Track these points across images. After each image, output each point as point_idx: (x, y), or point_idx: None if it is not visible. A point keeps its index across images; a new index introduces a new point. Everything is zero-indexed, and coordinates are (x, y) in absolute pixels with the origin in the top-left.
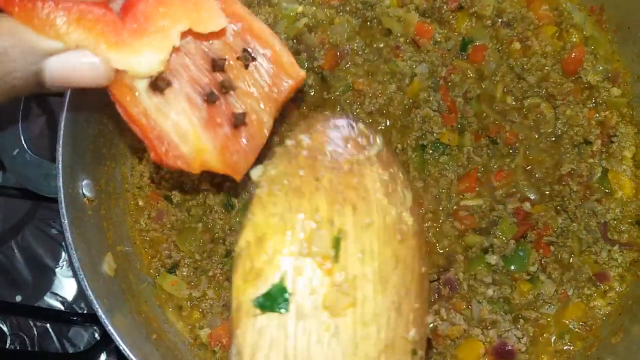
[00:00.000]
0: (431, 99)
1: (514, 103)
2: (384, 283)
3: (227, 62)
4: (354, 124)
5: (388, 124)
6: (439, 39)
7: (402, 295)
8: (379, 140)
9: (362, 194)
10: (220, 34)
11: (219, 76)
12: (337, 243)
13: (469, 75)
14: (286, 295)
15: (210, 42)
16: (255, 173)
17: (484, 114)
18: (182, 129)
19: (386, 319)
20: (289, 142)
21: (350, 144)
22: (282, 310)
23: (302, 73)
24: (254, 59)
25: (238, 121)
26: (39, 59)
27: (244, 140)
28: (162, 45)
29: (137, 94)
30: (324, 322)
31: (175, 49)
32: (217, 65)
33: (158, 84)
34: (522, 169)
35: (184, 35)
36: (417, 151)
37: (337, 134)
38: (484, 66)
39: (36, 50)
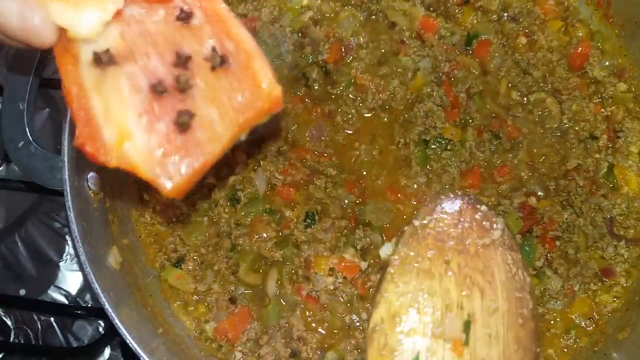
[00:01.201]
0: (434, 94)
1: (518, 98)
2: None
3: (191, 60)
4: (478, 206)
5: (389, 118)
6: (443, 34)
7: None
8: (500, 223)
9: (489, 278)
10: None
11: (179, 70)
12: (467, 327)
13: (472, 71)
14: None
15: (181, 34)
16: (385, 251)
17: (487, 109)
18: (110, 108)
19: None
20: (416, 223)
21: (474, 226)
22: None
23: (278, 91)
24: (223, 62)
25: (182, 120)
26: None
27: (184, 146)
28: (105, 4)
29: (79, 64)
30: None
31: (143, 35)
32: (179, 60)
33: (101, 57)
34: (526, 164)
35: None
36: (420, 146)
37: (462, 217)
38: (489, 61)
39: None
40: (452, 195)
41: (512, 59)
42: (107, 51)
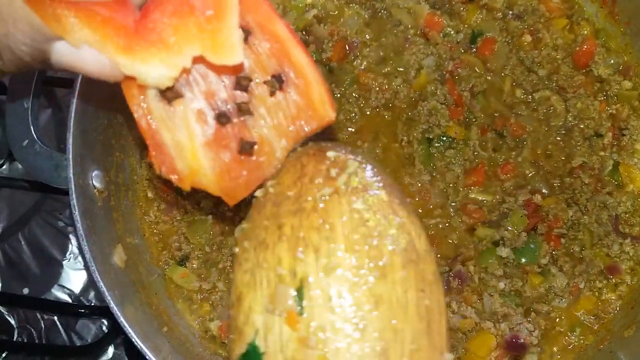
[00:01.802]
0: (438, 92)
1: (523, 96)
2: (359, 331)
3: (252, 83)
4: (327, 154)
5: (392, 116)
6: (448, 32)
7: (390, 338)
8: (351, 163)
9: (326, 234)
10: (236, 69)
11: (239, 96)
12: (300, 295)
13: (476, 70)
14: (260, 355)
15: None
16: (237, 232)
17: (491, 108)
18: (181, 145)
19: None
20: (258, 193)
21: (318, 179)
22: None
23: (332, 115)
24: (282, 88)
25: (245, 149)
26: (46, 40)
27: (247, 171)
28: (172, 62)
29: (144, 97)
30: None
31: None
32: (240, 84)
33: (167, 94)
34: (530, 162)
35: (198, 60)
36: (423, 144)
37: (303, 172)
38: (493, 59)
39: (44, 32)
40: (297, 150)
41: (516, 57)
42: (171, 88)
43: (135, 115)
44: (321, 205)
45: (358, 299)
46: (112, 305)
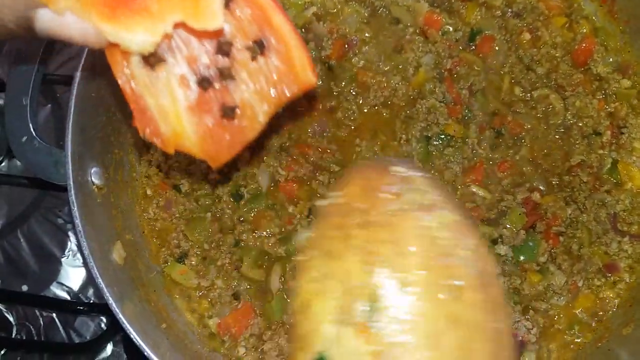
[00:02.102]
0: (436, 90)
1: (521, 94)
2: (433, 349)
3: (233, 48)
4: (392, 167)
5: (391, 114)
6: (446, 30)
7: (463, 358)
8: (416, 179)
9: (397, 249)
10: (218, 34)
11: (221, 61)
12: (372, 308)
13: (474, 68)
14: None
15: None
16: (300, 239)
17: (490, 106)
18: (164, 109)
19: None
20: (322, 202)
21: (384, 193)
22: None
23: (313, 79)
24: (263, 53)
25: (227, 113)
26: (29, 8)
27: (229, 135)
28: (154, 29)
29: (127, 63)
30: None
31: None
32: (222, 48)
33: (149, 60)
34: (528, 160)
35: (179, 26)
36: (422, 142)
37: (370, 185)
38: (492, 57)
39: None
40: (362, 164)
41: (515, 55)
42: (154, 54)
43: (120, 82)
44: (390, 219)
45: (433, 316)
46: (111, 301)
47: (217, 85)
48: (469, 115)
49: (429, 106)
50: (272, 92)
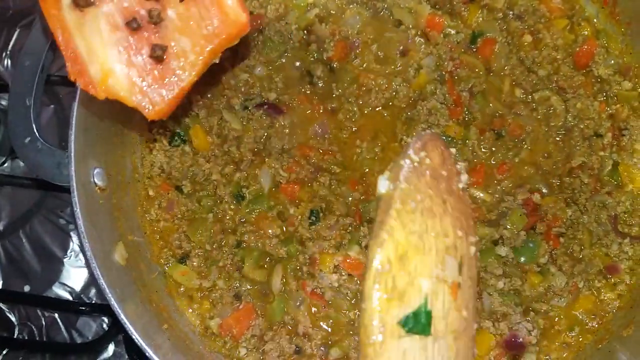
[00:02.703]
0: (437, 92)
1: (522, 96)
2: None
3: None
4: (450, 149)
5: (392, 115)
6: (448, 32)
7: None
8: (461, 167)
9: (469, 222)
10: None
11: (150, 2)
12: (460, 269)
13: (475, 70)
14: (429, 318)
15: None
16: (383, 185)
17: (490, 108)
18: (93, 50)
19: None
20: (414, 157)
21: (453, 168)
22: (427, 333)
23: (243, 18)
24: None
25: (156, 53)
26: None
27: (161, 78)
28: None
29: (59, 9)
30: (450, 344)
31: None
32: None
33: (79, 2)
34: (529, 162)
35: None
36: None
37: (445, 156)
38: (493, 59)
39: None
40: (430, 134)
41: (516, 57)
42: None
43: (51, 26)
44: (461, 193)
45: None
46: (113, 302)
47: (145, 27)
48: (470, 116)
49: (430, 108)
50: (204, 31)
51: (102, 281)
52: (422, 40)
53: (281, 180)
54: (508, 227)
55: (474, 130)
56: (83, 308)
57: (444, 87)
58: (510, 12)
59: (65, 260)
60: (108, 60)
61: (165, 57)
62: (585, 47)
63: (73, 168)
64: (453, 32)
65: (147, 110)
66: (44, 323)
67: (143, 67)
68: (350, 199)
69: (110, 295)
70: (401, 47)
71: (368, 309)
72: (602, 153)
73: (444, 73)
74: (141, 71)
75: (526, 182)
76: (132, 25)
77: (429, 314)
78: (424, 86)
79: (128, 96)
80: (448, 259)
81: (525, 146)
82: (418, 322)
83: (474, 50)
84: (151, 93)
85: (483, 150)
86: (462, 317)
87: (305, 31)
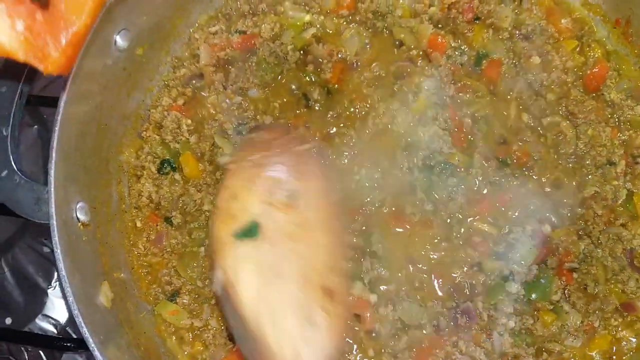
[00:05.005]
0: (439, 117)
1: (530, 122)
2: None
3: None
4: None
5: (392, 142)
6: (451, 53)
7: None
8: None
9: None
10: None
11: None
12: (290, 197)
13: (478, 94)
14: (257, 226)
15: None
16: (223, 160)
17: (495, 134)
18: None
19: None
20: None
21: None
22: (255, 237)
23: None
24: None
25: None
26: None
27: (49, 24)
28: None
29: None
30: (286, 245)
31: None
32: None
33: None
34: (538, 191)
35: None
36: (424, 172)
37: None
38: (499, 82)
39: None
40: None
41: (524, 79)
42: None
43: None
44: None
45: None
46: (97, 354)
47: None
48: (473, 143)
49: (431, 134)
50: None
51: (85, 330)
52: (423, 63)
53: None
54: (518, 261)
55: (478, 158)
56: (68, 344)
57: (445, 113)
58: (517, 32)
59: (49, 290)
60: None
61: (50, 1)
62: (596, 69)
63: (54, 206)
64: (457, 53)
65: (41, 65)
66: (26, 357)
67: (27, 16)
68: (349, 230)
69: (93, 345)
70: (401, 69)
71: (211, 235)
72: (615, 182)
73: (445, 97)
74: (25, 20)
75: (535, 213)
76: None
77: (254, 225)
78: (424, 111)
79: (17, 50)
80: (275, 191)
81: (533, 175)
82: (246, 231)
83: (479, 72)
84: (41, 43)
85: (487, 179)
86: (298, 222)
87: (301, 52)
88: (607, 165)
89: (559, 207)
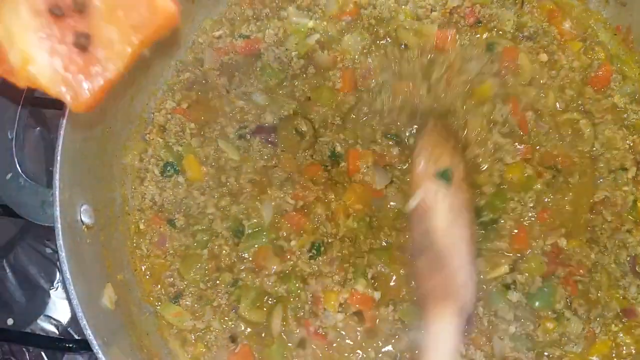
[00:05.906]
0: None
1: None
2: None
3: None
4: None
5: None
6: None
7: None
8: None
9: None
10: None
11: None
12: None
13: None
14: (450, 171)
15: None
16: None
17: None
18: (13, 35)
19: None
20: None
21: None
22: (449, 181)
23: (171, 9)
24: None
25: (79, 42)
26: None
27: (86, 67)
28: None
29: None
30: (457, 191)
31: None
32: None
33: None
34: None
35: None
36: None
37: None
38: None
39: None
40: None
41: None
42: None
43: None
44: None
45: None
46: (101, 356)
47: (70, 14)
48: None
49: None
50: (131, 22)
51: (88, 332)
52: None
53: (287, 209)
54: (523, 272)
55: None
56: (70, 345)
57: (505, 107)
58: (520, 34)
59: (51, 291)
60: (28, 47)
61: (89, 46)
62: (601, 72)
63: (58, 209)
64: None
65: (70, 102)
66: (28, 358)
67: (66, 56)
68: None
69: (97, 346)
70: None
71: (418, 165)
72: (625, 188)
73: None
74: (64, 60)
75: (561, 226)
76: (55, 12)
77: (449, 170)
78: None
79: (50, 85)
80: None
81: (571, 182)
82: (444, 173)
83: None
84: (75, 83)
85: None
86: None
87: (303, 59)
88: (620, 170)
89: (572, 213)
